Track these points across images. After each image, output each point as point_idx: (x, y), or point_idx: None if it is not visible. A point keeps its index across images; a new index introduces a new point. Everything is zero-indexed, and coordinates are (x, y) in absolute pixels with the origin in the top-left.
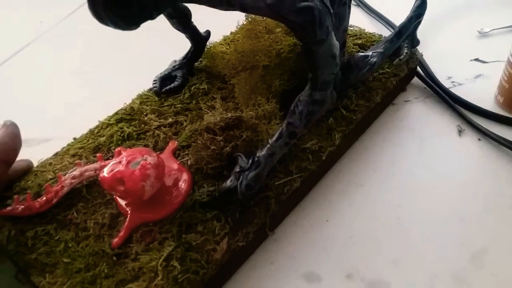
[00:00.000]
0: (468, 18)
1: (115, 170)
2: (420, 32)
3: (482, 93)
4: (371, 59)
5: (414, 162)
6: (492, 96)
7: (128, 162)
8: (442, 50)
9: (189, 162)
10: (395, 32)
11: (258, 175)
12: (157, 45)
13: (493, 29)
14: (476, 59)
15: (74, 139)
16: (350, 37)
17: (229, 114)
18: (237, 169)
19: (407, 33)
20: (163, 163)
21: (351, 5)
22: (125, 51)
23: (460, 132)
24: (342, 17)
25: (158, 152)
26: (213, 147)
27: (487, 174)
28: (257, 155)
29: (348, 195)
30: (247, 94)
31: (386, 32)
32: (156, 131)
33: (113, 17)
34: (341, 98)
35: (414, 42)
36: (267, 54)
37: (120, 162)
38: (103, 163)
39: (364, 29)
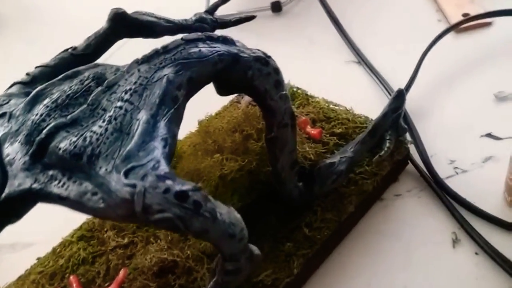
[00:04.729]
0: (482, 77)
1: None
2: (423, 100)
3: (490, 184)
4: (338, 167)
5: (396, 281)
6: (501, 188)
7: None
8: (448, 122)
9: None
10: (367, 130)
11: None
12: None
13: None
14: (488, 135)
15: (38, 259)
16: (330, 122)
17: (165, 254)
18: None
19: (382, 130)
20: None
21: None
22: None
23: (454, 242)
24: (284, 139)
25: (107, 284)
26: None
27: None
28: None
29: None
30: None
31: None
32: (110, 255)
33: None
34: (304, 214)
35: (400, 131)
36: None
37: None
38: None
39: (351, 109)
